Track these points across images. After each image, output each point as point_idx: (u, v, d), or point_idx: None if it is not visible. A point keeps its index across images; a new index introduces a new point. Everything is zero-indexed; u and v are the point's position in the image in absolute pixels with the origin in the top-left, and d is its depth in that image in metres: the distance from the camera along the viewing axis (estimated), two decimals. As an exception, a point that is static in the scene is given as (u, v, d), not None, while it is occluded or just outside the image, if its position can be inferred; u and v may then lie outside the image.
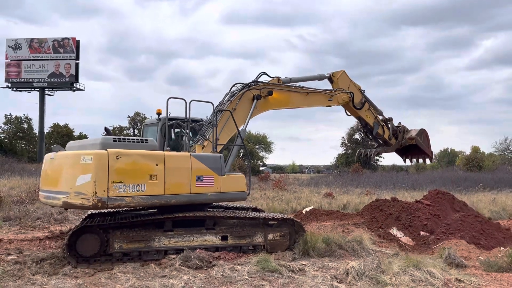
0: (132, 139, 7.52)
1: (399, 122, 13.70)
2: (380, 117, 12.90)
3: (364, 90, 12.49)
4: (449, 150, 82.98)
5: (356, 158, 14.22)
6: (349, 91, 12.01)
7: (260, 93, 10.17)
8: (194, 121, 9.13)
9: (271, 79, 10.71)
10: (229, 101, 9.88)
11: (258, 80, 10.46)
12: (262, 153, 73.73)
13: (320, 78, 12.11)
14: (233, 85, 10.31)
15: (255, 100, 10.08)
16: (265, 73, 10.67)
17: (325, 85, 12.35)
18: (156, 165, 7.33)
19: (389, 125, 13.05)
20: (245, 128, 9.93)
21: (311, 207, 14.33)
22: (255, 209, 10.19)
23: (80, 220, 9.61)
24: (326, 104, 11.83)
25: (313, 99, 11.51)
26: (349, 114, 12.74)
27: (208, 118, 9.75)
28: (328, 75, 12.11)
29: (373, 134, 12.85)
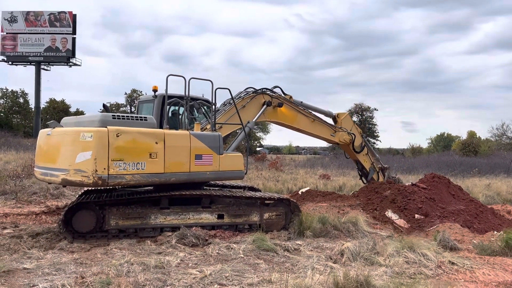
0: (131, 116, 7.43)
1: (396, 173, 14.04)
2: (379, 165, 13.22)
3: (364, 135, 13.00)
4: (445, 135, 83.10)
5: None
6: (351, 132, 12.37)
7: (271, 101, 10.75)
8: (194, 99, 9.05)
9: (285, 95, 11.30)
10: (240, 98, 10.30)
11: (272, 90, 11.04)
12: (259, 134, 73.68)
13: (328, 114, 12.62)
14: (247, 88, 10.85)
15: (265, 106, 10.65)
16: (279, 87, 11.29)
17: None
18: (156, 143, 7.29)
19: (385, 173, 13.28)
20: (252, 124, 10.34)
21: (307, 188, 14.35)
22: (251, 188, 10.22)
23: (76, 196, 9.61)
24: (327, 137, 12.26)
25: (317, 128, 11.96)
26: (347, 156, 13.50)
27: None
28: (334, 114, 12.63)
29: (368, 179, 13.17)
